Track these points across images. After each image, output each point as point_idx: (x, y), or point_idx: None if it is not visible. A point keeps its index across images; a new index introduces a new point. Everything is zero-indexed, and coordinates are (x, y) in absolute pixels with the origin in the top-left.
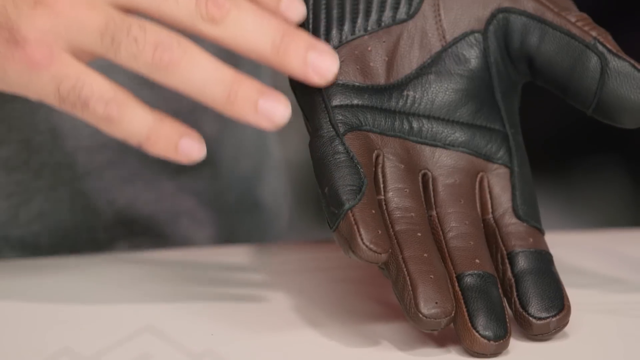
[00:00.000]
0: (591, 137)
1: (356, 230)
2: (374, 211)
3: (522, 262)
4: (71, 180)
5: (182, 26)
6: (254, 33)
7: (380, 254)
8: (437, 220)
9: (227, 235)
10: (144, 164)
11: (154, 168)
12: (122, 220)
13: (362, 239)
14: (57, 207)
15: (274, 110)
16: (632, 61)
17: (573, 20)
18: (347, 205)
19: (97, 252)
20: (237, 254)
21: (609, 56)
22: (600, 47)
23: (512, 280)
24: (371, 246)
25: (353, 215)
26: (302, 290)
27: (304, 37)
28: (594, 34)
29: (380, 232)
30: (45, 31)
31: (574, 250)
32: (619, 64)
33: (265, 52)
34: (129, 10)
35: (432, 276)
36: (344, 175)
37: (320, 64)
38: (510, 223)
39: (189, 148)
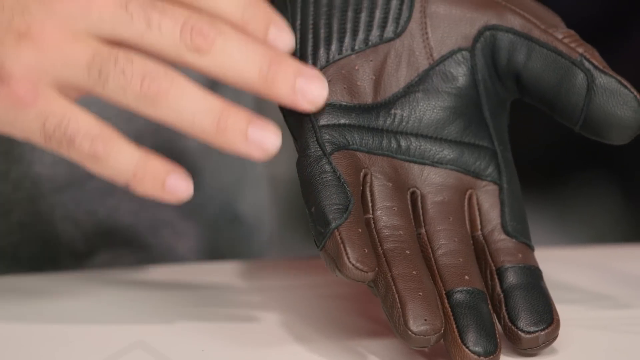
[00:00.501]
0: (581, 152)
1: (342, 249)
2: (360, 230)
3: (511, 278)
4: (51, 191)
5: (168, 57)
6: (240, 62)
7: (367, 272)
8: (426, 238)
9: (208, 247)
10: None
11: None
12: (102, 231)
13: (348, 258)
14: (37, 218)
15: (264, 139)
16: (619, 77)
17: (560, 37)
18: (333, 224)
19: (78, 263)
20: (225, 270)
21: (595, 73)
22: (586, 64)
23: (501, 296)
24: (358, 265)
25: (339, 234)
26: (292, 307)
27: (292, 64)
28: (580, 50)
29: (366, 250)
30: (30, 67)
31: (563, 265)
32: (606, 81)
33: (252, 81)
34: (114, 43)
35: (420, 293)
36: (331, 194)
37: (309, 90)
38: (499, 239)
39: (176, 186)
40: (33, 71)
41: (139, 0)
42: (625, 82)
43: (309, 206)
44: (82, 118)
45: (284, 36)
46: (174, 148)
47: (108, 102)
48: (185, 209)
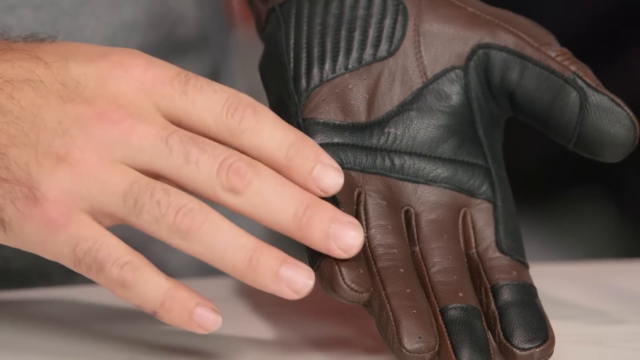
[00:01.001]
0: (575, 169)
1: (337, 269)
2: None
3: (505, 295)
4: None
5: (203, 193)
6: (275, 205)
7: (362, 293)
8: (420, 256)
9: (200, 262)
10: None
11: None
12: None
13: (343, 279)
14: None
15: (296, 279)
16: (612, 95)
17: (553, 55)
18: None
19: (69, 277)
20: (217, 286)
21: (588, 91)
22: (579, 82)
23: (496, 313)
24: (352, 285)
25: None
26: (285, 321)
27: (328, 209)
28: (573, 68)
29: (361, 271)
30: (65, 190)
31: (558, 281)
32: (598, 99)
33: (287, 224)
34: (150, 173)
35: (414, 311)
36: None
37: (343, 237)
38: (494, 257)
39: (204, 318)
40: (68, 195)
41: (180, 134)
42: (618, 100)
43: None
44: (113, 245)
45: (330, 174)
46: None
47: (141, 230)
48: None
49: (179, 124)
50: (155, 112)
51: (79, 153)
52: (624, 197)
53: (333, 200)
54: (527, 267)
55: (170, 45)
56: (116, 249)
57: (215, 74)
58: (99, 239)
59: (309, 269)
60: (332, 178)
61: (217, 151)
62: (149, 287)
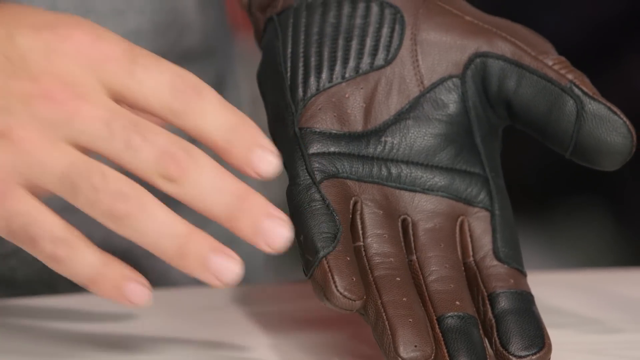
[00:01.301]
0: (572, 178)
1: (330, 277)
2: (349, 258)
3: (502, 303)
4: None
5: (142, 178)
6: (209, 196)
7: (355, 301)
8: (417, 265)
9: None
10: None
11: None
12: None
13: (336, 286)
14: None
15: (224, 268)
16: (608, 104)
17: (550, 63)
18: (321, 253)
19: (74, 286)
20: (216, 295)
21: (584, 99)
22: (576, 90)
23: (493, 321)
24: (345, 293)
25: (327, 263)
26: (281, 329)
27: (259, 204)
28: (570, 77)
29: (354, 279)
30: (3, 166)
31: (554, 289)
32: (595, 107)
33: (219, 215)
34: (90, 151)
35: (410, 320)
36: (320, 222)
37: (271, 233)
38: (491, 265)
39: (134, 293)
40: (5, 170)
41: (123, 119)
42: (615, 109)
43: (297, 235)
44: (47, 220)
45: (266, 159)
46: None
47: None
48: None
49: (123, 101)
50: (100, 91)
51: (20, 131)
52: (621, 206)
53: (327, 209)
54: (524, 275)
55: (176, 54)
56: (50, 225)
57: (220, 83)
58: (33, 214)
59: (239, 259)
60: (269, 163)
61: (158, 138)
62: (81, 262)
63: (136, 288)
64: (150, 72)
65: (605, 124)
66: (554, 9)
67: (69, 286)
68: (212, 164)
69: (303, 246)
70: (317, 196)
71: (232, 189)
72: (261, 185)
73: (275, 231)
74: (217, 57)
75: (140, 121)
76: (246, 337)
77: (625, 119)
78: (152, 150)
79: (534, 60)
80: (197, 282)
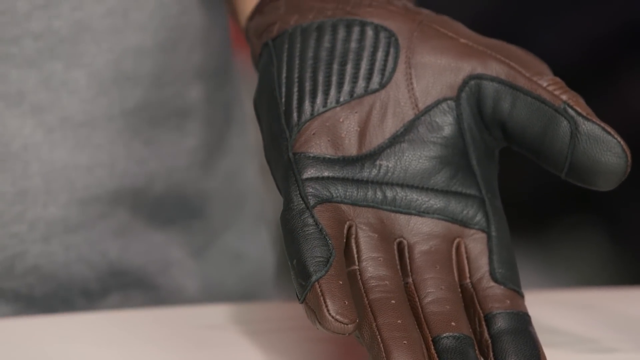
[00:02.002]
0: (567, 197)
1: (322, 301)
2: (341, 282)
3: (499, 323)
4: (65, 232)
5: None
6: None
7: (347, 324)
8: (413, 287)
9: (216, 286)
10: (134, 216)
11: (144, 220)
12: (114, 272)
13: (328, 310)
14: (52, 259)
15: None
16: (602, 124)
17: (544, 84)
18: (314, 277)
19: (90, 304)
20: (219, 313)
21: (578, 120)
22: (570, 111)
23: (489, 341)
24: (337, 317)
25: (320, 287)
26: (283, 348)
27: None
28: (564, 97)
29: (347, 302)
30: None
31: (549, 308)
32: (589, 127)
33: None
34: None
35: (405, 342)
36: (312, 247)
37: None
38: (488, 286)
39: None
40: None
41: None
42: (609, 129)
43: (291, 259)
44: None
45: None
46: (185, 191)
47: None
48: (192, 249)
49: None
50: None
51: None
52: (616, 225)
53: (320, 233)
54: (522, 296)
55: (183, 72)
56: None
57: (228, 103)
58: None
59: None
60: None
61: None
62: None
63: None
64: None
65: (599, 144)
66: (551, 28)
67: (85, 303)
68: None
69: (296, 271)
70: (310, 221)
71: None
72: (271, 196)
73: None
74: (225, 77)
75: None
76: (246, 356)
77: (619, 139)
78: None
79: (528, 81)
80: (213, 299)
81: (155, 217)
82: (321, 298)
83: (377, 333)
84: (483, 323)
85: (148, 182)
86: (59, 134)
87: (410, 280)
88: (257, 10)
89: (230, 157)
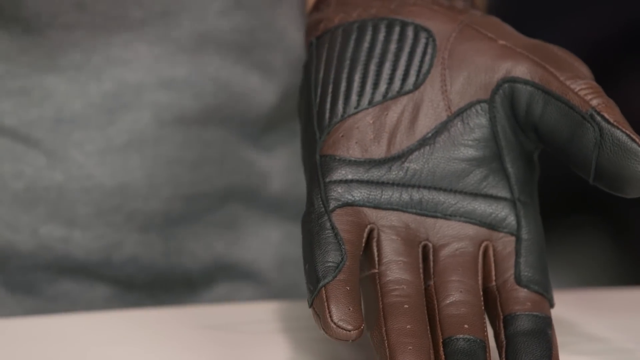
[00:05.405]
0: (568, 198)
1: (326, 307)
2: (349, 288)
3: (515, 325)
4: (164, 223)
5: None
6: None
7: (351, 331)
8: (433, 290)
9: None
10: (247, 210)
11: (259, 216)
12: (220, 264)
13: (331, 317)
14: (150, 249)
15: None
16: (629, 132)
17: (577, 89)
18: (321, 282)
19: (194, 293)
20: (225, 313)
21: (604, 126)
22: (597, 118)
23: (504, 342)
24: (340, 323)
25: (326, 292)
26: (293, 349)
27: None
28: (594, 103)
29: (351, 309)
30: None
31: (553, 309)
32: (614, 135)
33: None
34: None
35: (410, 347)
36: (324, 252)
37: None
38: (511, 289)
39: None
40: None
41: None
42: (635, 137)
43: (304, 263)
44: None
45: None
46: (304, 192)
47: None
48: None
49: None
50: None
51: None
52: (618, 226)
53: (334, 238)
54: (548, 299)
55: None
56: None
57: None
58: None
59: None
60: None
61: None
62: None
63: None
64: None
65: (623, 152)
66: (551, 29)
67: (187, 291)
68: None
69: (307, 275)
70: (327, 225)
71: None
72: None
73: None
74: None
75: None
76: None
77: None
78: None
79: (560, 85)
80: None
81: (272, 214)
82: (325, 304)
83: (385, 338)
84: (501, 325)
85: (261, 180)
86: (170, 130)
87: (431, 282)
88: (314, 7)
89: None
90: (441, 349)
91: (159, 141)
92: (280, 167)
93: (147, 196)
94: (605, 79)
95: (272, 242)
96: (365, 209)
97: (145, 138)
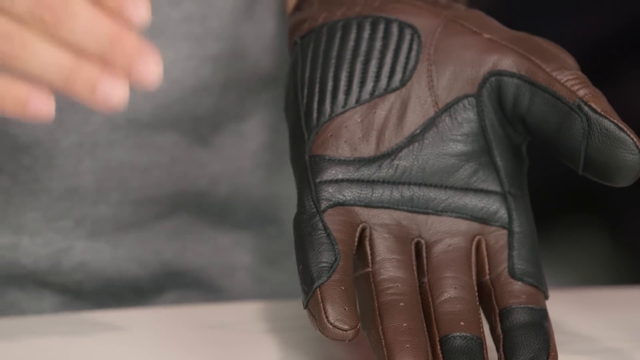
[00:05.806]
0: (568, 196)
1: (322, 307)
2: (343, 288)
3: (511, 318)
4: (113, 230)
5: (18, 24)
6: (83, 37)
7: (346, 331)
8: (427, 287)
9: (287, 295)
10: (196, 216)
11: (208, 223)
12: (169, 272)
13: (327, 317)
14: (99, 256)
15: (111, 93)
16: (617, 121)
17: (563, 80)
18: (316, 283)
19: (142, 300)
20: (225, 312)
21: (592, 116)
22: (584, 108)
23: (501, 336)
24: (336, 323)
25: (321, 293)
26: (291, 349)
27: (133, 44)
28: (581, 93)
29: (347, 309)
30: None
31: (549, 308)
32: (602, 124)
33: (94, 55)
34: None
35: (408, 345)
36: (318, 252)
37: (144, 72)
38: (505, 283)
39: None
40: None
41: None
42: (623, 126)
43: (297, 264)
44: None
45: (141, 5)
46: (253, 195)
47: None
48: (264, 255)
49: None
50: None
51: None
52: (616, 225)
53: (327, 238)
54: (543, 291)
55: (249, 81)
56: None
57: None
58: None
59: (126, 85)
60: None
61: None
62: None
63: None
64: None
65: (612, 141)
66: (551, 28)
67: (136, 298)
68: (86, 8)
69: (301, 276)
70: (319, 225)
71: (106, 30)
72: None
73: (148, 69)
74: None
75: None
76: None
77: (633, 136)
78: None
79: (547, 76)
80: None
81: (221, 221)
82: (321, 304)
83: (382, 336)
84: (497, 319)
85: (210, 185)
86: (122, 133)
87: (425, 280)
88: (296, 7)
89: None
90: (438, 347)
91: (110, 143)
92: (228, 170)
93: (97, 201)
94: (605, 79)
95: (221, 249)
96: (357, 208)
97: (95, 140)
